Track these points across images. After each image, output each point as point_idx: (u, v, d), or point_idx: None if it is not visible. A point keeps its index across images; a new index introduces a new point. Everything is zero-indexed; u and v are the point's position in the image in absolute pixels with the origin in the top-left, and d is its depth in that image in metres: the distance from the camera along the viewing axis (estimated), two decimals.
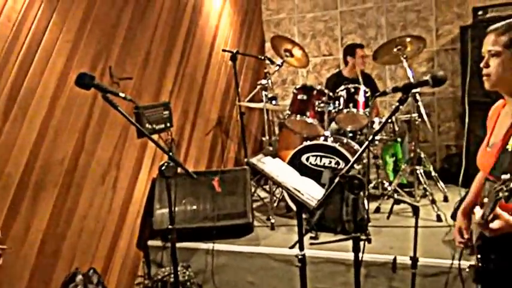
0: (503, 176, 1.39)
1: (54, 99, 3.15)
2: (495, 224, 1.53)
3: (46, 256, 3.07)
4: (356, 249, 2.15)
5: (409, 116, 4.28)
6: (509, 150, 1.66)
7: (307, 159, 4.18)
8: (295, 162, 4.14)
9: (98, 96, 3.39)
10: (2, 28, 2.78)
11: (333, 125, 4.53)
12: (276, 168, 2.56)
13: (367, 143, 2.07)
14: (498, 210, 1.51)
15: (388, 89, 2.06)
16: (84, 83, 2.18)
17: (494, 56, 1.71)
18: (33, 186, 2.98)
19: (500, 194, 1.39)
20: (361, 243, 2.15)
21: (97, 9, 3.53)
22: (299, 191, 2.41)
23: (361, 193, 2.08)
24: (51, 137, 3.13)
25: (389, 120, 4.28)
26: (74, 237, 3.31)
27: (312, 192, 2.49)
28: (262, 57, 5.27)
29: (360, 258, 2.14)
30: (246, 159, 4.59)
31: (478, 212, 1.62)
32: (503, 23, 1.73)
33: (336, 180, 2.06)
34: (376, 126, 4.49)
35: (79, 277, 3.20)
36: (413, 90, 3.90)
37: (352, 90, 4.30)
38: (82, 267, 3.30)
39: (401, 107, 2.04)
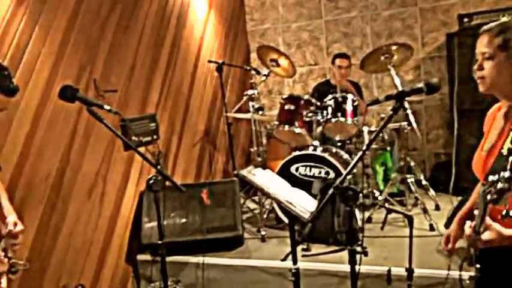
0: (491, 177, 1.34)
1: (38, 114, 3.08)
2: (486, 236, 1.48)
3: (32, 274, 2.98)
4: (352, 262, 2.10)
5: (398, 124, 4.27)
6: (504, 154, 1.62)
7: (297, 169, 4.15)
8: (284, 173, 4.09)
9: (83, 110, 3.33)
10: None
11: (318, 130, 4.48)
12: (267, 179, 2.52)
13: (361, 153, 2.03)
14: (488, 221, 1.46)
15: (381, 98, 2.02)
16: (67, 96, 2.13)
17: (488, 59, 1.68)
18: (17, 203, 2.89)
19: (489, 197, 1.34)
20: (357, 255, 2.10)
21: (80, 20, 3.48)
22: (291, 203, 2.36)
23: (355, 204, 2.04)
24: (36, 152, 3.05)
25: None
26: (61, 254, 3.23)
27: (304, 204, 2.45)
28: (248, 68, 5.27)
29: (356, 271, 2.08)
30: (235, 171, 4.55)
31: (468, 225, 1.57)
32: (496, 23, 1.69)
33: (330, 191, 2.01)
34: (365, 135, 4.48)
35: None
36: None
37: (340, 99, 4.28)
38: (70, 284, 3.23)
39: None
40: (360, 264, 2.16)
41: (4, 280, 1.96)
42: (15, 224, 2.14)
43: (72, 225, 3.33)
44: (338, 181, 2.00)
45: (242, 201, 4.51)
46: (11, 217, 2.17)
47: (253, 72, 5.02)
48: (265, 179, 2.49)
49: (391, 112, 1.97)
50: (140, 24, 4.22)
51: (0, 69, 1.95)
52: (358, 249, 2.17)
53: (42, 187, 3.10)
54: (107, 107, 2.19)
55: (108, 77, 3.75)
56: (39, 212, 3.07)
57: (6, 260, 2.00)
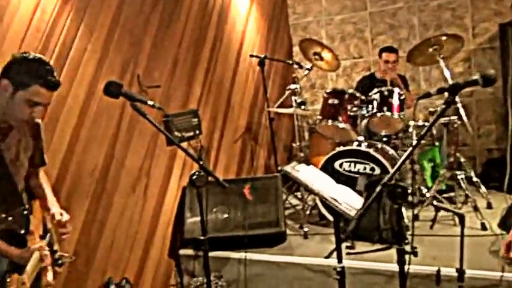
0: None
1: (83, 109, 3.13)
2: None
3: (79, 267, 3.04)
4: (401, 262, 2.01)
5: (447, 118, 4.10)
6: None
7: (341, 165, 4.06)
8: (327, 169, 4.02)
9: (126, 105, 3.34)
10: (31, 39, 2.76)
11: (363, 125, 4.37)
12: (311, 176, 2.46)
13: (411, 148, 1.94)
14: None
15: (432, 91, 1.92)
16: (112, 92, 2.13)
17: None
18: (64, 197, 2.95)
19: None
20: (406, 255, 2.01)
21: (124, 18, 3.50)
22: (336, 200, 2.30)
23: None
24: (82, 147, 3.10)
25: (428, 124, 4.12)
26: (106, 247, 3.28)
27: (349, 201, 2.38)
28: (291, 62, 5.19)
29: (405, 272, 2.00)
30: (278, 167, 4.50)
31: None
32: None
33: (378, 189, 1.94)
34: (412, 130, 4.33)
35: (112, 287, 3.18)
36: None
37: (386, 93, 4.16)
38: (114, 277, 3.28)
39: (438, 109, 1.91)
40: (409, 264, 2.06)
41: (50, 273, 1.99)
42: (61, 214, 2.16)
43: (117, 219, 3.37)
44: (386, 178, 1.92)
45: (284, 197, 4.46)
46: (55, 208, 2.19)
47: (295, 66, 4.94)
48: (309, 175, 2.43)
49: (443, 106, 1.88)
50: (182, 20, 4.22)
51: (42, 63, 1.96)
52: (407, 248, 2.08)
53: (88, 181, 3.14)
54: (150, 102, 2.18)
55: (151, 72, 3.77)
56: (85, 206, 3.12)
57: (49, 253, 2.02)
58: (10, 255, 1.95)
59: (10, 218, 1.99)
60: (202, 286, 3.51)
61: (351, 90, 4.29)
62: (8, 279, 1.83)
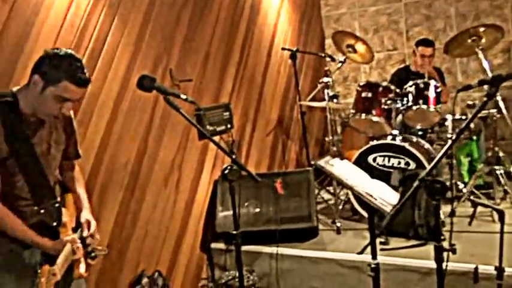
0: None
1: (117, 103, 3.15)
2: None
3: (112, 259, 3.07)
4: (439, 259, 1.95)
5: (486, 112, 3.97)
6: None
7: (374, 159, 3.99)
8: (361, 163, 3.94)
9: (159, 99, 3.37)
10: (66, 34, 2.79)
11: (398, 118, 4.27)
12: (346, 170, 2.42)
13: (450, 142, 1.88)
14: None
15: (473, 83, 1.85)
16: (145, 86, 2.13)
17: None
18: (98, 190, 2.99)
19: None
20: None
21: (156, 12, 3.51)
22: (372, 196, 2.25)
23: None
24: (115, 140, 3.13)
25: (465, 118, 4.01)
26: (139, 240, 3.30)
27: (384, 196, 2.33)
28: (323, 55, 5.13)
29: (443, 269, 1.94)
30: (310, 161, 4.46)
31: None
32: None
33: (415, 184, 1.88)
34: (449, 124, 4.21)
35: (145, 280, 3.22)
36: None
37: (422, 85, 4.06)
38: (147, 270, 3.30)
39: (476, 102, 1.84)
40: (447, 262, 2.00)
41: (82, 265, 2.01)
42: (88, 224, 2.17)
43: (150, 213, 3.39)
44: (424, 173, 1.87)
45: (316, 191, 4.42)
46: (84, 213, 2.20)
47: (328, 59, 4.88)
48: (344, 169, 2.39)
49: (484, 98, 1.81)
50: (214, 14, 4.21)
51: (73, 60, 1.96)
52: (446, 245, 2.02)
53: (121, 174, 3.17)
54: (183, 96, 2.17)
55: (183, 66, 3.78)
56: (118, 199, 3.15)
57: (81, 246, 2.04)
58: (43, 247, 1.98)
59: (42, 211, 2.03)
60: (234, 280, 3.50)
61: (385, 83, 4.22)
62: (39, 270, 1.85)
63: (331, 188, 4.64)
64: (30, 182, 2.00)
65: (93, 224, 2.19)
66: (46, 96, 1.93)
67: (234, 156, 2.28)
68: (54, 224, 2.06)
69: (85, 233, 2.13)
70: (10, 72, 2.45)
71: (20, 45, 2.52)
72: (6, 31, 2.45)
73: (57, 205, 2.09)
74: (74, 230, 2.13)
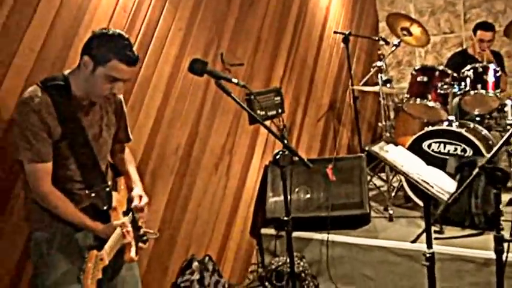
0: None
1: (168, 88, 3.17)
2: None
3: (163, 243, 3.12)
4: (498, 251, 1.86)
5: None
6: None
7: (429, 146, 3.86)
8: (415, 149, 3.80)
9: (210, 84, 3.37)
10: (118, 18, 2.82)
11: (455, 103, 4.10)
12: (400, 157, 2.33)
13: None
14: None
15: None
16: (197, 70, 2.12)
17: None
18: (150, 174, 3.03)
19: None
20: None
21: None
22: (428, 183, 2.16)
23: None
24: (166, 125, 3.16)
25: None
26: (190, 225, 3.34)
27: (441, 184, 2.23)
28: (377, 38, 4.99)
29: (503, 260, 1.85)
30: (364, 147, 4.36)
31: None
32: None
33: (475, 172, 1.80)
34: (509, 110, 4.01)
35: (195, 264, 3.25)
36: None
37: (480, 69, 3.89)
38: (197, 255, 3.34)
39: None
40: (507, 253, 1.91)
41: (133, 249, 2.01)
42: (140, 197, 2.18)
43: (200, 197, 3.42)
44: (484, 161, 1.78)
45: (368, 178, 4.33)
46: (136, 190, 2.21)
47: (381, 42, 4.74)
48: (399, 156, 2.30)
49: None
50: None
51: (121, 38, 1.95)
52: (507, 236, 1.92)
53: (172, 159, 3.21)
54: (234, 80, 2.15)
55: (234, 50, 3.76)
56: (169, 184, 3.19)
57: (132, 230, 2.03)
58: (94, 230, 2.00)
59: (93, 195, 2.05)
60: (284, 266, 3.50)
61: (441, 67, 4.08)
62: (87, 255, 1.84)
63: (383, 175, 4.54)
64: (81, 165, 2.02)
65: (145, 199, 2.19)
66: (96, 77, 1.93)
67: (285, 142, 2.25)
68: (105, 207, 2.08)
69: (135, 203, 2.13)
70: (64, 57, 2.49)
71: (73, 31, 2.55)
72: (60, 16, 2.48)
73: (108, 189, 2.10)
74: (125, 214, 2.14)
